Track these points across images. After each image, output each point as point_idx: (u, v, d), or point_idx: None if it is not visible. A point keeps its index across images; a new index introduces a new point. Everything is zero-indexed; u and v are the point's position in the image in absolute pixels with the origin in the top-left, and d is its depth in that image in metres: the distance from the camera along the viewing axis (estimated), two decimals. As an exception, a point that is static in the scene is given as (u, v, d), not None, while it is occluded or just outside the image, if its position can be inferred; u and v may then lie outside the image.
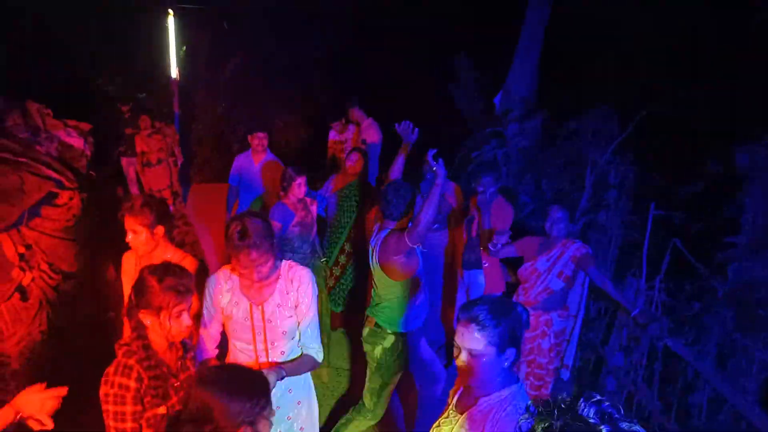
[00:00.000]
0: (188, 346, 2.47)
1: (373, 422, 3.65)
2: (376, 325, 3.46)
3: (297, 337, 2.67)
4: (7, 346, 4.43)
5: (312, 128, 11.12)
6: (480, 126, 6.82)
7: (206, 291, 2.62)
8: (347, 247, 5.13)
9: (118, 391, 2.06)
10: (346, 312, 5.22)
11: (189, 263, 3.23)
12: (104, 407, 2.08)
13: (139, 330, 2.21)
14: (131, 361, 2.12)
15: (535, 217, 5.25)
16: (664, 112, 4.77)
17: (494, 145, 6.04)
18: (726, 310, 3.33)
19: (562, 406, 1.25)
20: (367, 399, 3.57)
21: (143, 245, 3.10)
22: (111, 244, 3.80)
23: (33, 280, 4.77)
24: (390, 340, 3.41)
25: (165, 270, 2.22)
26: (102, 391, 2.09)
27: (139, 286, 2.20)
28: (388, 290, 3.37)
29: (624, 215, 4.67)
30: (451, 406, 2.11)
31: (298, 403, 2.74)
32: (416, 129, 3.79)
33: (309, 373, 2.80)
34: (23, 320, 4.61)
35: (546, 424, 1.23)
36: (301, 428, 2.77)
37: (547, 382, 4.23)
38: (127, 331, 2.29)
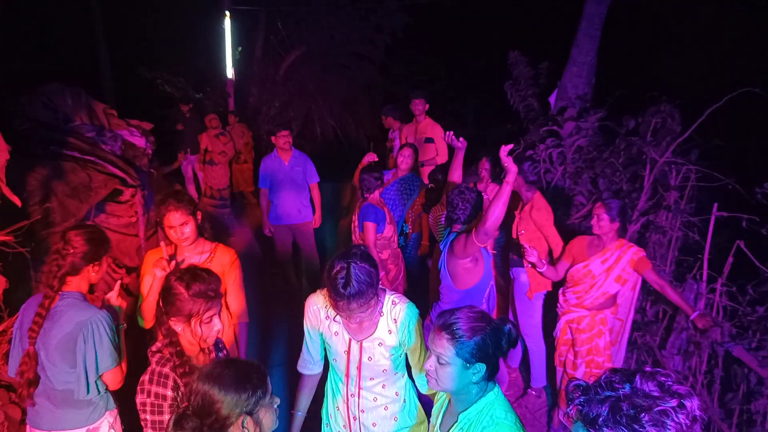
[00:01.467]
0: (220, 345, 2.50)
1: None
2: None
3: (402, 371, 2.60)
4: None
5: (367, 126, 11.22)
6: (534, 124, 6.72)
7: (305, 314, 2.55)
8: (401, 241, 5.20)
9: (155, 400, 2.09)
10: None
11: (223, 252, 3.31)
12: (142, 416, 2.11)
13: (171, 336, 2.22)
14: (166, 369, 2.14)
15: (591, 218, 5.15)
16: (730, 110, 4.59)
17: (549, 144, 5.94)
18: (793, 315, 3.21)
19: (617, 385, 1.29)
20: None
21: (192, 235, 3.15)
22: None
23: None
24: None
25: (192, 276, 2.22)
26: (138, 399, 2.12)
27: (167, 294, 2.22)
28: (450, 301, 3.38)
29: (685, 216, 4.52)
30: (435, 427, 2.14)
31: (395, 419, 2.65)
32: (461, 138, 3.84)
33: (416, 403, 2.71)
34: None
35: (609, 405, 1.26)
36: None
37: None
38: (158, 337, 2.33)
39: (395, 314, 2.42)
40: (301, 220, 6.08)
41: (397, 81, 12.44)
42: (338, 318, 2.43)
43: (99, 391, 2.73)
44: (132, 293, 5.31)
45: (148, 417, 2.08)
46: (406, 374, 2.64)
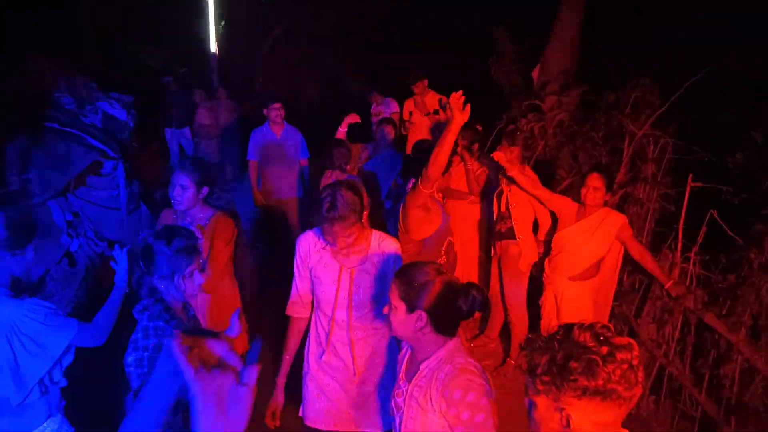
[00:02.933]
0: (189, 308, 2.51)
1: None
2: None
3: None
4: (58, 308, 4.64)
5: (351, 101, 11.19)
6: (517, 99, 6.76)
7: (296, 250, 2.72)
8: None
9: (154, 354, 2.09)
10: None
11: (224, 221, 3.40)
12: (138, 371, 2.10)
13: (154, 294, 2.26)
14: (160, 324, 2.16)
15: (573, 191, 5.20)
16: (707, 84, 4.65)
17: (531, 119, 5.98)
18: (762, 281, 3.29)
19: (558, 337, 1.34)
20: None
21: (187, 201, 3.28)
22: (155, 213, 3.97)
23: (80, 246, 4.98)
24: None
25: (171, 233, 2.27)
26: (133, 357, 2.11)
27: (148, 253, 2.24)
28: (407, 250, 3.41)
29: (662, 188, 4.60)
30: (401, 374, 2.20)
31: (384, 350, 2.82)
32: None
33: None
34: (71, 284, 4.83)
35: (549, 356, 1.31)
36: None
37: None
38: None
39: (383, 247, 2.67)
40: (290, 196, 6.06)
41: (383, 56, 12.40)
42: (328, 249, 2.63)
43: (40, 394, 2.46)
44: (113, 267, 5.31)
45: (147, 371, 2.09)
46: None
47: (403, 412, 2.04)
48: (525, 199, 4.58)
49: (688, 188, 3.96)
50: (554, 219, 4.47)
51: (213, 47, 10.81)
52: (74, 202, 4.93)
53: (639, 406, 4.21)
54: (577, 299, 4.19)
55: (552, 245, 4.29)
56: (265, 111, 5.93)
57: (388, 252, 2.67)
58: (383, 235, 2.72)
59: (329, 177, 4.81)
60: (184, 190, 3.27)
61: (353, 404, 2.78)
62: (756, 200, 3.61)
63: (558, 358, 1.29)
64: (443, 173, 3.21)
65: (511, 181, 4.47)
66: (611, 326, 1.33)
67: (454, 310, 1.98)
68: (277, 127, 5.94)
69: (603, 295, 4.40)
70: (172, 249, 2.22)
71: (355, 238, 2.55)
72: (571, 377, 1.26)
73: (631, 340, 1.30)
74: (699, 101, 4.95)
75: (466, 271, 5.05)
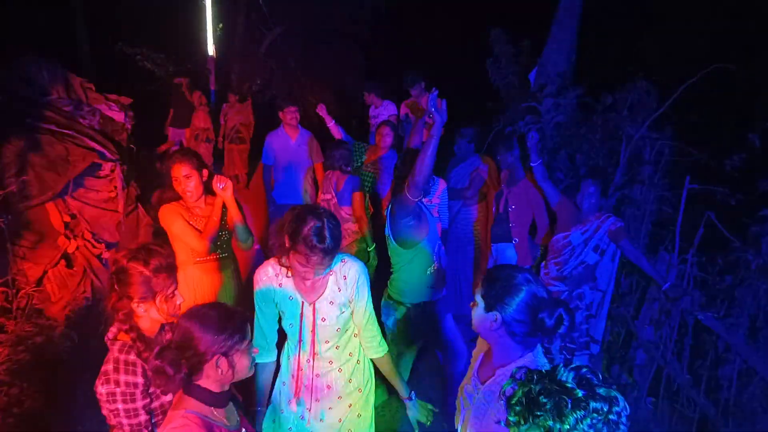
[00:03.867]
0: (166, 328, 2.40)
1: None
2: (389, 296, 3.52)
3: (352, 330, 2.64)
4: (54, 310, 4.64)
5: (349, 103, 11.18)
6: (515, 101, 6.77)
7: (256, 287, 2.50)
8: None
9: (126, 389, 2.04)
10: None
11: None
12: (110, 406, 2.04)
13: (129, 321, 2.15)
14: (132, 357, 2.09)
15: (569, 193, 5.21)
16: (704, 86, 4.66)
17: (528, 121, 5.98)
18: (759, 282, 3.29)
19: (543, 372, 1.30)
20: None
21: (195, 189, 3.40)
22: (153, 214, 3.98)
23: (77, 248, 4.97)
24: (401, 311, 3.45)
25: (147, 252, 2.15)
26: (105, 390, 2.04)
27: (123, 276, 2.12)
28: (398, 259, 3.40)
29: (659, 190, 4.61)
30: (471, 371, 2.17)
31: (359, 390, 2.76)
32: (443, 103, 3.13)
33: (369, 361, 2.80)
34: (69, 286, 4.83)
35: (526, 389, 1.27)
36: (359, 414, 2.80)
37: (576, 356, 4.26)
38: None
39: (345, 271, 2.49)
40: (303, 200, 6.00)
41: (379, 58, 12.42)
42: (290, 282, 2.45)
43: None
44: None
45: (120, 406, 2.04)
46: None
47: (471, 411, 2.01)
48: (524, 201, 4.59)
49: (685, 190, 3.97)
50: (552, 222, 4.48)
51: (211, 49, 10.80)
52: (72, 204, 4.92)
53: (637, 408, 4.23)
54: (574, 303, 4.20)
55: (549, 248, 4.30)
56: (280, 114, 5.84)
57: (349, 278, 2.49)
58: (345, 258, 2.53)
59: (330, 178, 4.81)
60: (189, 179, 3.35)
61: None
62: (753, 202, 3.62)
63: (533, 391, 1.25)
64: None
65: (510, 184, 4.49)
66: (600, 374, 1.28)
67: (535, 321, 1.91)
68: (292, 131, 5.85)
69: (600, 298, 4.40)
70: (151, 269, 2.12)
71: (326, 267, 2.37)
72: (538, 413, 1.22)
73: (619, 396, 1.24)
74: (696, 103, 4.97)
75: (465, 273, 5.06)
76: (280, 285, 2.46)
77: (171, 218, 3.48)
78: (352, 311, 2.57)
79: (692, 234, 3.84)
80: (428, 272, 3.38)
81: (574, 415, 1.18)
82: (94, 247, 5.09)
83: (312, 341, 2.52)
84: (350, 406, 2.72)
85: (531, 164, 4.38)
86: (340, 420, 2.71)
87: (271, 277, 2.47)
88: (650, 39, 6.26)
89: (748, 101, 5.45)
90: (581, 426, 1.18)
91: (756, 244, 3.35)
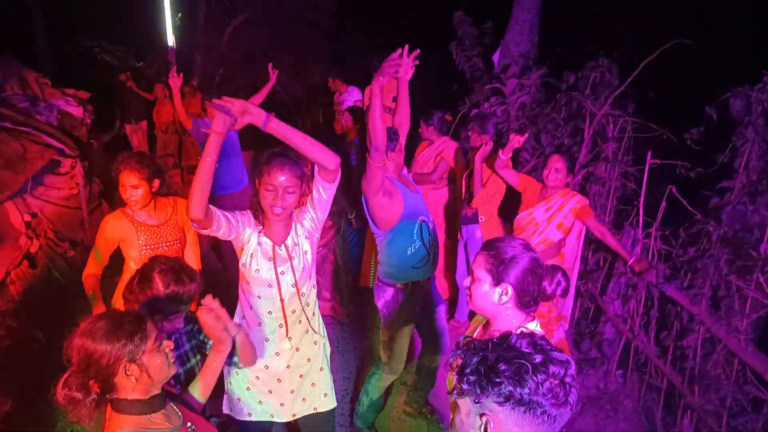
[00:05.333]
0: None
1: (392, 377, 3.67)
2: (377, 278, 3.52)
3: (313, 280, 2.76)
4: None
5: (317, 92, 11.09)
6: (480, 83, 6.79)
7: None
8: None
9: None
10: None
11: (182, 203, 3.46)
12: None
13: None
14: None
15: (536, 173, 5.26)
16: (664, 62, 4.72)
17: (493, 103, 6.01)
18: (720, 253, 3.37)
19: (495, 340, 1.29)
20: (382, 353, 3.62)
21: (142, 199, 3.23)
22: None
23: (40, 247, 4.86)
24: (390, 292, 3.44)
25: (175, 275, 2.26)
26: None
27: (145, 282, 2.24)
28: (379, 240, 3.39)
29: (623, 166, 4.68)
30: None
31: (308, 360, 2.80)
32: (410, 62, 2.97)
33: (321, 330, 2.87)
34: (33, 287, 4.72)
35: (481, 356, 1.25)
36: (313, 384, 2.83)
37: (551, 329, 4.31)
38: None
39: (297, 214, 2.67)
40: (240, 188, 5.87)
41: (344, 45, 12.34)
42: (261, 231, 2.60)
43: None
44: (76, 267, 5.20)
45: None
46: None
47: None
48: (497, 182, 4.62)
49: (647, 165, 4.03)
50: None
51: (171, 40, 10.59)
52: (32, 202, 4.81)
53: (606, 381, 4.31)
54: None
55: (514, 226, 4.33)
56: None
57: (303, 209, 2.67)
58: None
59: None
60: (136, 189, 3.21)
61: (289, 390, 2.78)
62: (713, 174, 3.69)
63: (489, 359, 1.23)
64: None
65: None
66: (549, 341, 1.29)
67: (538, 289, 2.01)
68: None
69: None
70: (167, 292, 2.23)
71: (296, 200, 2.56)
72: (497, 380, 1.20)
73: (570, 359, 1.25)
74: (657, 80, 5.04)
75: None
76: (254, 229, 2.60)
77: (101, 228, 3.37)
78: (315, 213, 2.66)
79: (656, 208, 3.90)
80: (409, 252, 3.34)
81: (535, 379, 1.19)
82: (57, 245, 4.99)
83: (293, 281, 2.64)
84: (300, 376, 2.79)
85: (501, 155, 4.37)
86: (301, 376, 2.79)
87: (251, 218, 2.62)
88: (611, 17, 6.32)
89: (707, 75, 5.55)
90: (541, 390, 1.18)
91: (716, 215, 3.42)
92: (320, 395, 2.86)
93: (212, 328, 2.08)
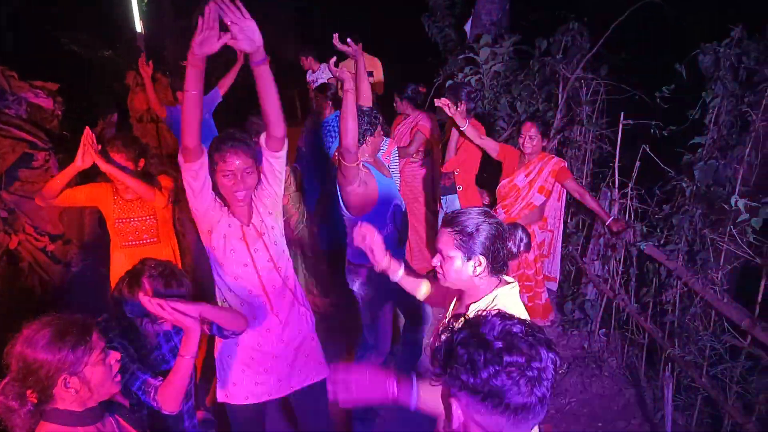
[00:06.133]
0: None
1: (379, 357, 3.69)
2: (349, 261, 3.53)
3: (283, 244, 2.76)
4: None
5: (288, 71, 10.96)
6: (453, 54, 6.78)
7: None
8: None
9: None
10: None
11: (160, 197, 3.57)
12: None
13: (121, 313, 2.26)
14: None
15: (513, 141, 5.29)
16: (635, 24, 4.74)
17: (467, 73, 6.00)
18: (694, 208, 3.43)
19: (469, 320, 1.24)
20: (367, 334, 3.65)
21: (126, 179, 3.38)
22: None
23: (20, 243, 4.82)
24: (363, 273, 3.45)
25: (166, 279, 2.23)
26: None
27: (135, 283, 2.20)
28: (352, 227, 3.40)
29: (597, 129, 4.72)
30: (448, 319, 2.21)
31: (299, 332, 2.82)
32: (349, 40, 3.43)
33: (306, 303, 2.90)
34: (15, 283, 4.69)
35: (447, 339, 1.22)
36: (306, 355, 2.86)
37: (538, 292, 4.38)
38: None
39: (256, 193, 2.65)
40: None
41: (317, 22, 12.21)
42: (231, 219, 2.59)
43: None
44: (58, 260, 5.18)
45: None
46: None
47: None
48: (469, 149, 4.64)
49: (620, 126, 4.08)
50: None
51: (138, 26, 10.39)
52: (8, 198, 4.75)
53: (590, 341, 4.40)
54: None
55: (497, 195, 4.38)
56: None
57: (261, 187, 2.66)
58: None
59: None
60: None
61: (285, 364, 2.79)
62: (684, 131, 3.74)
63: (453, 342, 1.19)
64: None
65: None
66: (534, 325, 1.22)
67: (505, 251, 2.05)
68: None
69: (551, 238, 4.52)
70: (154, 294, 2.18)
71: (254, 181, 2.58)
72: (455, 365, 1.15)
73: (542, 350, 1.16)
74: (627, 41, 5.06)
75: (414, 230, 5.11)
76: (222, 209, 2.60)
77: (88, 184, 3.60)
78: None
79: (631, 169, 3.95)
80: (383, 235, 3.37)
81: (488, 369, 1.12)
82: (37, 240, 4.95)
83: (268, 257, 2.65)
84: (300, 331, 2.82)
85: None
86: (294, 349, 2.81)
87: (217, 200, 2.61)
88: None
89: (677, 34, 5.57)
90: (494, 381, 1.11)
91: (689, 171, 3.47)
92: (314, 365, 2.89)
93: (173, 320, 2.04)
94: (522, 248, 2.17)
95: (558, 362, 1.18)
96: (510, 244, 2.10)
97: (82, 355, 1.66)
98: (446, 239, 2.04)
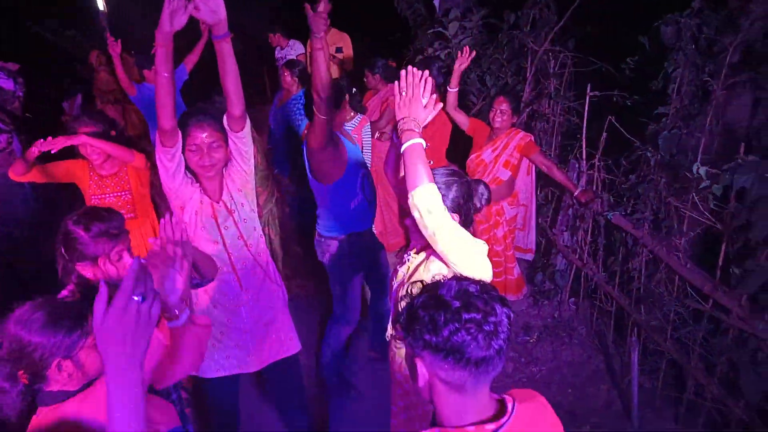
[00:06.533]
0: None
1: (350, 328, 3.74)
2: (318, 233, 3.55)
3: (256, 220, 2.76)
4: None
5: (258, 49, 10.80)
6: (422, 29, 6.74)
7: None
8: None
9: None
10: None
11: (139, 158, 3.58)
12: None
13: (83, 285, 2.13)
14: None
15: (483, 116, 5.31)
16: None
17: (437, 47, 5.98)
18: (659, 177, 3.49)
19: (429, 285, 1.30)
20: (335, 307, 3.69)
21: (99, 152, 3.41)
22: (62, 186, 3.82)
23: (-15, 228, 4.72)
24: (334, 245, 3.48)
25: (91, 217, 2.14)
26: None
27: (67, 240, 2.11)
28: (319, 194, 3.41)
29: (565, 102, 4.76)
30: (411, 255, 2.33)
31: (270, 308, 2.84)
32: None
33: (278, 279, 2.91)
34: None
35: (409, 302, 1.28)
36: (277, 330, 2.88)
37: (509, 267, 4.44)
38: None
39: (226, 170, 2.65)
40: None
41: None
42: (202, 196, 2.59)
43: None
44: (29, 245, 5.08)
45: None
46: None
47: None
48: (438, 124, 4.65)
49: (587, 98, 4.12)
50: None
51: (101, 4, 10.12)
52: (-30, 182, 4.64)
53: (560, 310, 4.49)
54: (489, 221, 4.35)
55: (467, 169, 4.41)
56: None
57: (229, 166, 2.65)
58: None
59: None
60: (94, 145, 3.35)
61: (256, 340, 2.81)
62: (648, 101, 3.80)
63: (414, 305, 1.25)
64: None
65: None
66: (489, 288, 1.28)
67: (472, 206, 2.17)
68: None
69: (524, 212, 4.58)
70: (91, 234, 2.10)
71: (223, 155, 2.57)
72: (417, 326, 1.22)
73: (497, 306, 1.23)
74: (594, 13, 5.09)
75: (388, 206, 5.12)
76: (195, 186, 2.60)
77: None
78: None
79: (598, 140, 4.00)
80: (352, 205, 3.39)
81: (448, 327, 1.19)
82: (4, 226, 4.86)
83: (236, 228, 2.66)
84: (270, 308, 2.84)
85: (449, 89, 4.41)
86: (265, 324, 2.82)
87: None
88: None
89: (642, 6, 5.62)
90: (455, 338, 1.18)
91: (654, 141, 3.53)
92: (285, 340, 2.92)
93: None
94: (484, 202, 2.32)
95: (512, 317, 1.25)
96: (475, 200, 2.23)
97: (77, 339, 1.65)
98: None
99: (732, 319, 2.96)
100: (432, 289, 1.27)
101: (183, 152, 2.49)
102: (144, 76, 5.64)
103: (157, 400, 1.88)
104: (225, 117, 2.52)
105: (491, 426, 1.24)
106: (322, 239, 3.49)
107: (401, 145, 1.98)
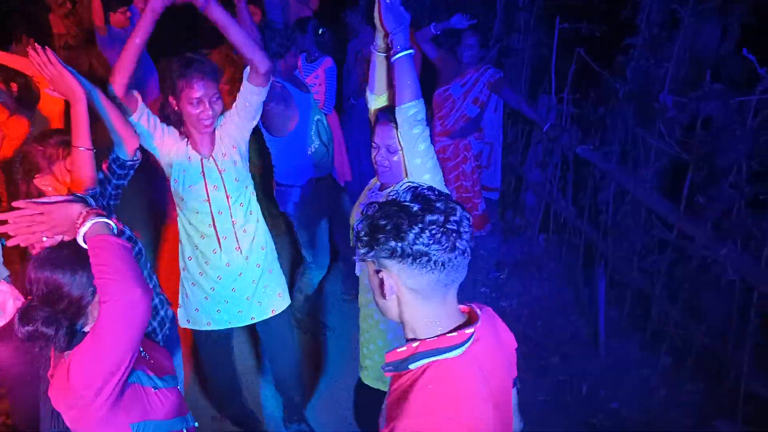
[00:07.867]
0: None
1: (322, 272, 3.73)
2: (277, 183, 3.50)
3: (251, 189, 2.68)
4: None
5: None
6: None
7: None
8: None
9: None
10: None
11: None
12: None
13: None
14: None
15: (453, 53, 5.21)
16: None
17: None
18: (627, 108, 3.47)
19: (386, 200, 1.29)
20: (305, 254, 3.67)
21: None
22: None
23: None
24: (296, 192, 3.44)
25: (42, 134, 2.19)
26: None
27: (25, 163, 2.13)
28: (273, 145, 3.35)
29: (535, 35, 4.68)
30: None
31: (258, 266, 2.76)
32: None
33: (268, 236, 2.83)
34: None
35: (370, 219, 1.26)
36: (266, 286, 2.81)
37: (475, 203, 4.44)
38: None
39: (221, 123, 2.56)
40: None
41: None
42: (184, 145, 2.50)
43: None
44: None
45: None
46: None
47: None
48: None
49: (556, 31, 4.05)
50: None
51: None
52: None
53: (531, 246, 4.52)
54: (457, 157, 4.32)
55: (433, 104, 4.33)
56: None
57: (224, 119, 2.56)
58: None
59: None
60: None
61: (244, 297, 2.76)
62: (617, 32, 3.73)
63: (375, 218, 1.24)
64: None
65: None
66: (441, 191, 1.27)
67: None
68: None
69: (489, 150, 4.56)
70: (45, 144, 2.13)
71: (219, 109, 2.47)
72: (380, 236, 1.21)
73: (456, 206, 1.23)
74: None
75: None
76: (182, 140, 2.51)
77: None
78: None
79: (567, 73, 3.95)
80: (309, 152, 3.37)
81: (412, 230, 1.18)
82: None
83: (225, 196, 2.56)
84: (258, 265, 2.76)
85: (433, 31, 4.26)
86: (253, 282, 2.76)
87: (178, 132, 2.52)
88: None
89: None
90: (421, 240, 1.18)
91: (622, 72, 3.49)
92: (274, 295, 2.84)
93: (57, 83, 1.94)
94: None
95: (470, 219, 1.25)
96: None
97: None
98: (387, 132, 2.09)
99: (696, 247, 2.99)
100: (389, 201, 1.26)
101: (179, 103, 2.38)
102: (110, 19, 5.32)
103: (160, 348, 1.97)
104: (247, 70, 2.43)
105: (470, 330, 1.26)
106: (283, 188, 3.45)
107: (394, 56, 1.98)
